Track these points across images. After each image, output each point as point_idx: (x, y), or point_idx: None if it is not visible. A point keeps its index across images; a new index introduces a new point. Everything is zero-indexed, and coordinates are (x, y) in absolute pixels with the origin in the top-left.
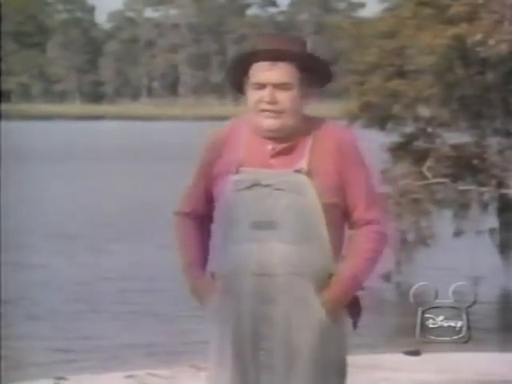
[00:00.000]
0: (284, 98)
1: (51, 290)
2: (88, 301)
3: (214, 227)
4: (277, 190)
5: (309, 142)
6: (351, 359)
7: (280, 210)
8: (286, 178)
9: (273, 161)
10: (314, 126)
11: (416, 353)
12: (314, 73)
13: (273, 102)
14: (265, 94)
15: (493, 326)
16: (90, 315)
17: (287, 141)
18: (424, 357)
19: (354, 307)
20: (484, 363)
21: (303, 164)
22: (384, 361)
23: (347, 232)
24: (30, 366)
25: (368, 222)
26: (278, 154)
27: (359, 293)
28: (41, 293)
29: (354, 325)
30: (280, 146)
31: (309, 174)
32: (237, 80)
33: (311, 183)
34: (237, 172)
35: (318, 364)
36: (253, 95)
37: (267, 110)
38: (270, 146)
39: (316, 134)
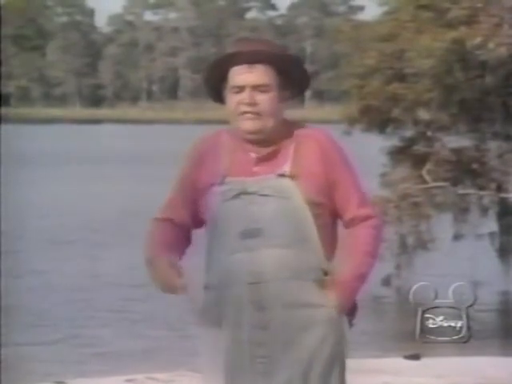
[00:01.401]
0: (263, 99)
1: (49, 296)
2: (87, 306)
3: (204, 240)
4: (261, 195)
5: (291, 147)
6: (352, 363)
7: (266, 216)
8: (269, 183)
9: (256, 168)
10: (295, 130)
11: (416, 357)
12: (292, 77)
13: (252, 103)
14: (244, 95)
15: (493, 331)
16: (88, 320)
17: (269, 145)
18: (424, 361)
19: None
20: (484, 367)
21: (286, 167)
22: (384, 365)
23: (341, 231)
24: (30, 370)
25: (364, 219)
26: (261, 161)
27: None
28: (39, 299)
29: (350, 323)
30: (263, 153)
31: (292, 176)
32: (215, 87)
33: (296, 185)
34: (222, 183)
35: (323, 362)
36: (232, 99)
37: (247, 112)
38: (253, 155)
39: (298, 139)
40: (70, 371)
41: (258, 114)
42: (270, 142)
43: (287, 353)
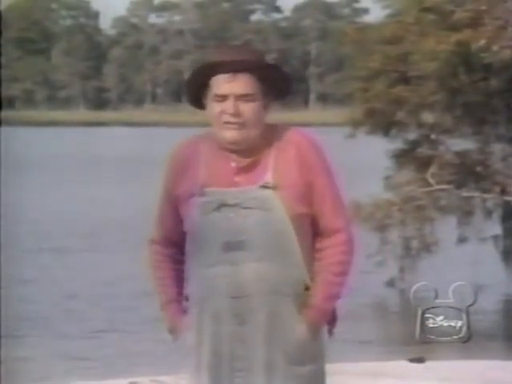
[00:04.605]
0: (247, 109)
1: (49, 301)
2: (84, 312)
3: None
4: (244, 208)
5: (272, 154)
6: (356, 366)
7: (249, 229)
8: (252, 195)
9: (237, 178)
10: (275, 135)
11: (420, 360)
12: (274, 84)
13: (236, 113)
14: (228, 105)
15: (497, 334)
16: (87, 326)
17: (250, 155)
18: (428, 364)
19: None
20: (489, 371)
21: (268, 178)
22: (388, 368)
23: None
24: (31, 374)
25: (335, 231)
26: (242, 171)
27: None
28: (37, 306)
29: (330, 332)
30: (243, 163)
31: (275, 187)
32: (196, 93)
33: (278, 197)
34: (202, 193)
35: (298, 380)
36: (215, 107)
37: (230, 122)
38: (233, 164)
39: (278, 145)
40: (73, 374)
41: (241, 124)
42: (251, 150)
43: (265, 368)
